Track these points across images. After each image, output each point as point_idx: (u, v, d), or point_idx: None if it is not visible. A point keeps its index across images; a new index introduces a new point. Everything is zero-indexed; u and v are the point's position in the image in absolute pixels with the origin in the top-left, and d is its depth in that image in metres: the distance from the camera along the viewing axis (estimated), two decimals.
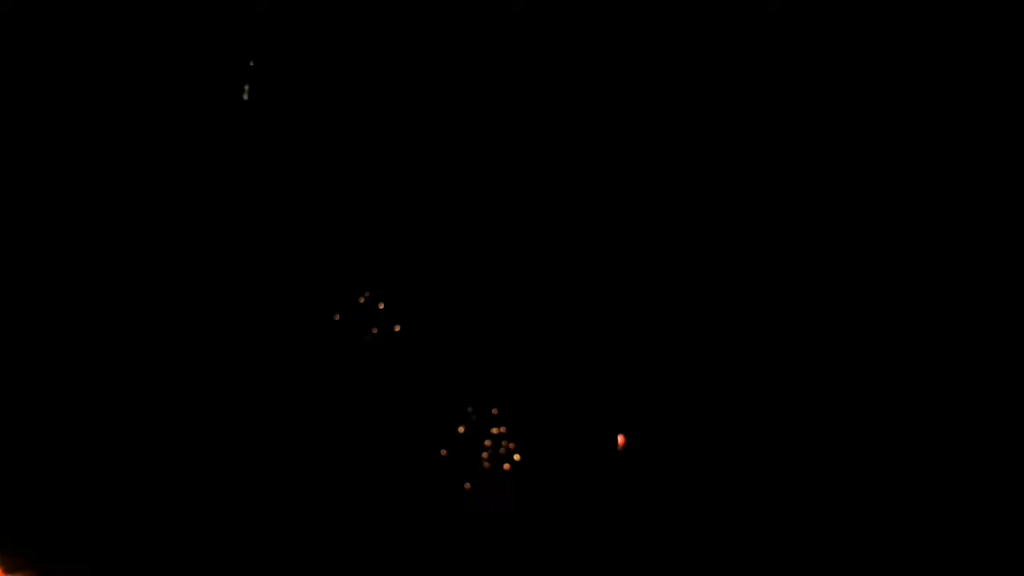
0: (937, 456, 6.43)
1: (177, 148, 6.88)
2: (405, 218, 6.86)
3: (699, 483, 6.56)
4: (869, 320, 6.60)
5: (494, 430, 6.64)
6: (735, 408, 6.60)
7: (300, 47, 6.90)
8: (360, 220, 6.86)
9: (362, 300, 6.59)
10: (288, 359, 6.76)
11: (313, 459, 6.68)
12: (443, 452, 6.55)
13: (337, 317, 6.73)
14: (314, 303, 6.80)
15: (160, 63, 6.86)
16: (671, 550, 6.51)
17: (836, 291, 6.63)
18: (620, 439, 6.40)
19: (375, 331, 6.58)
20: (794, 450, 6.52)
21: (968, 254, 6.56)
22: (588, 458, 6.64)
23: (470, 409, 6.64)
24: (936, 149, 6.63)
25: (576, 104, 6.85)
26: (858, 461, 6.48)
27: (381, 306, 6.54)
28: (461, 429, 6.62)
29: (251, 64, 6.83)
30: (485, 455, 6.55)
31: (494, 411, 6.64)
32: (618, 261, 6.71)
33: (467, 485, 6.51)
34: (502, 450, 6.55)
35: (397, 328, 6.58)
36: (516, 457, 6.56)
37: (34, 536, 6.56)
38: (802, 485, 6.49)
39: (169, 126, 6.88)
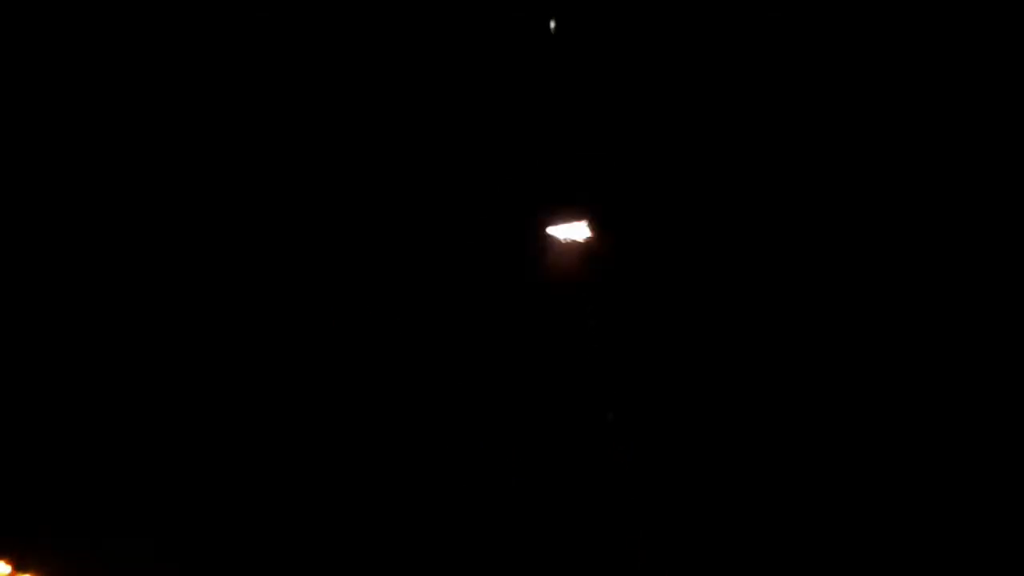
0: (937, 454, 6.48)
1: (176, 148, 6.88)
2: (406, 219, 6.87)
3: (699, 483, 6.60)
4: (868, 319, 6.64)
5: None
6: (735, 408, 6.64)
7: (300, 47, 6.89)
8: (360, 220, 6.87)
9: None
10: (296, 360, 6.78)
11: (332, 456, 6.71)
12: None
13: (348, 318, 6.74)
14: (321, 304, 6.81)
15: (160, 63, 6.86)
16: (672, 549, 6.56)
17: (835, 291, 6.67)
18: None
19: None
20: (794, 450, 6.57)
21: (967, 253, 6.60)
22: (590, 458, 6.67)
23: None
24: (935, 149, 6.66)
25: (574, 104, 6.86)
26: (857, 460, 6.53)
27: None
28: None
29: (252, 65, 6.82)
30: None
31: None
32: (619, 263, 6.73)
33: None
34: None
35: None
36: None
37: (42, 534, 6.58)
38: (802, 485, 6.54)
39: (169, 126, 6.88)
